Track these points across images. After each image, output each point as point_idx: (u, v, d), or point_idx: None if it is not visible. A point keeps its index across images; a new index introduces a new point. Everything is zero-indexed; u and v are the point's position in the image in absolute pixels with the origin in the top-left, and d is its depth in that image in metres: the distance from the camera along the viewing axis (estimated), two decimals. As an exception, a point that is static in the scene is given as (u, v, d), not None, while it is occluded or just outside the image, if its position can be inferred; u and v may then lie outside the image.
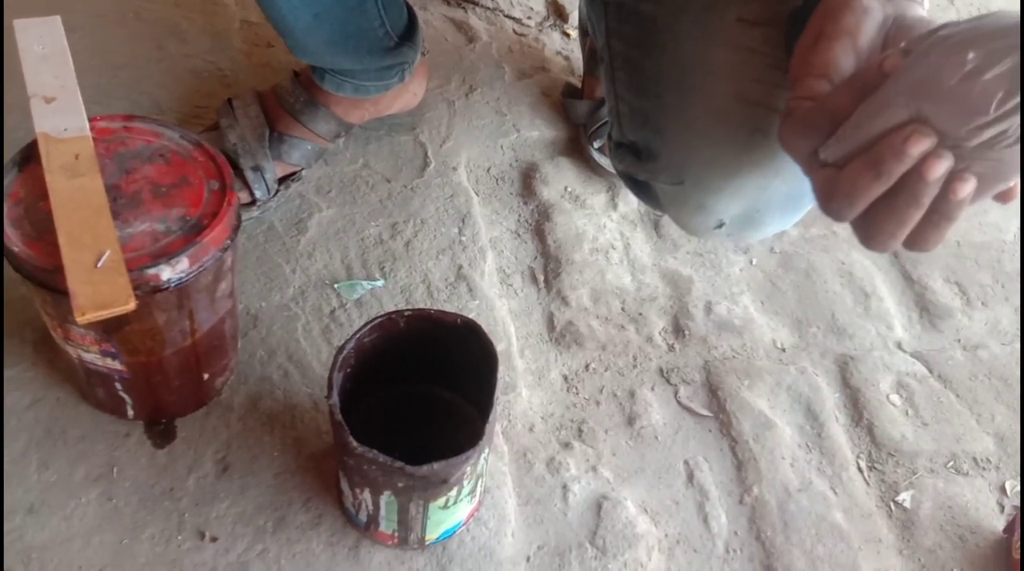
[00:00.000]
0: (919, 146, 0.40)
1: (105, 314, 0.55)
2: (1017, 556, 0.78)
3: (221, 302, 0.70)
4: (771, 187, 0.62)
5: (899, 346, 0.97)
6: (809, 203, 0.65)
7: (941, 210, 0.43)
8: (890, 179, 0.42)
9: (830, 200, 0.45)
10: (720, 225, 0.66)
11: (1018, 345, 0.99)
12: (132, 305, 0.56)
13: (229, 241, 0.64)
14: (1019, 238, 1.11)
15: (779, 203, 0.64)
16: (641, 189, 0.71)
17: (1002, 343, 0.99)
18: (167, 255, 0.60)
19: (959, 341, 0.98)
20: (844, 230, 1.09)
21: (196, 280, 0.63)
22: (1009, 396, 0.93)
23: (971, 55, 0.39)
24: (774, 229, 0.68)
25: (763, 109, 0.58)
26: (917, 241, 0.44)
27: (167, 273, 0.60)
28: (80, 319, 0.54)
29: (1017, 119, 0.39)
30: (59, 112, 0.65)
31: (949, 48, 0.40)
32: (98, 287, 0.56)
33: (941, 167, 0.41)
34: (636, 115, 0.67)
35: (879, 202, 0.43)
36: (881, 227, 0.44)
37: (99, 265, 0.57)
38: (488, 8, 1.26)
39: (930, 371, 0.95)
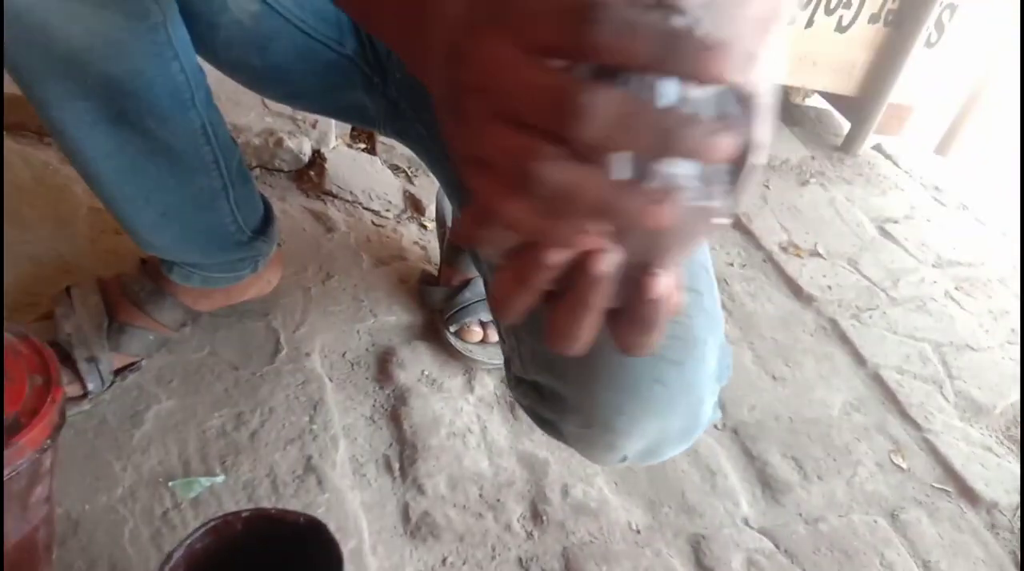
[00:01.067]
0: (555, 255, 0.34)
1: None
2: None
3: (35, 509, 0.63)
4: (669, 427, 0.66)
5: (746, 522, 1.00)
6: (699, 432, 0.70)
7: (638, 311, 0.37)
8: (533, 285, 0.36)
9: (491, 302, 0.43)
10: (624, 459, 0.69)
11: (854, 516, 1.04)
12: (-77, 520, 0.50)
13: (49, 441, 0.59)
14: (845, 412, 1.20)
15: (676, 437, 0.68)
16: (546, 425, 0.73)
17: (839, 515, 1.04)
18: (-27, 460, 0.55)
19: (800, 515, 1.03)
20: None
21: (7, 486, 0.57)
22: (850, 568, 0.97)
23: None
24: (670, 455, 0.71)
25: (658, 359, 0.63)
26: (629, 347, 0.39)
27: (-29, 481, 0.54)
28: None
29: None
30: None
31: None
32: None
33: (603, 262, 0.34)
34: (538, 358, 0.69)
35: (553, 305, 0.38)
36: (556, 329, 0.38)
37: None
38: (347, 201, 1.31)
39: (776, 546, 0.98)
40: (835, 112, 2.03)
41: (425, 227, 1.32)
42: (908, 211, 1.77)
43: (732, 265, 1.47)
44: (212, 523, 0.62)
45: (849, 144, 1.91)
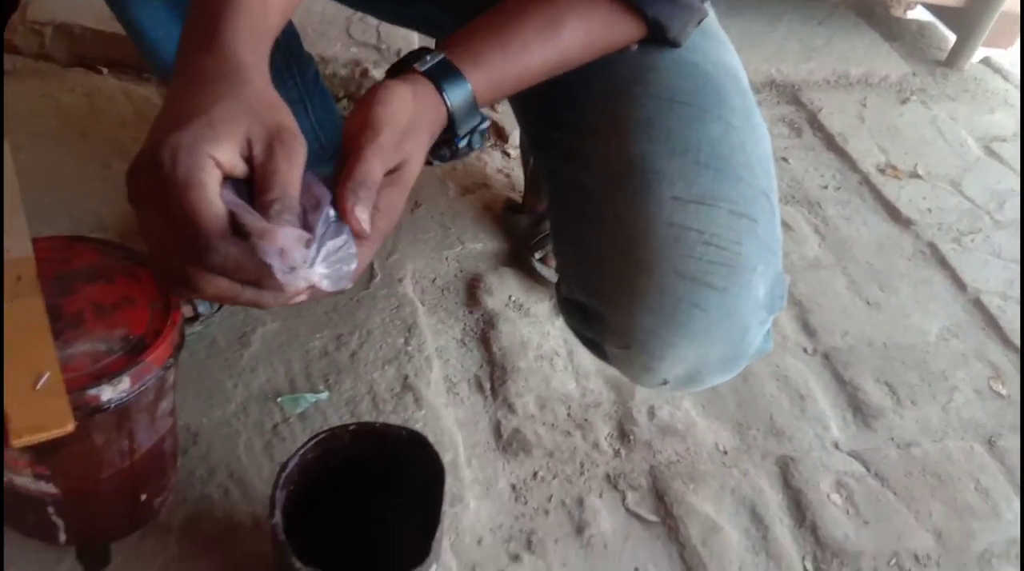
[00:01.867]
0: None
1: (41, 437, 0.54)
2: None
3: (162, 421, 0.69)
4: (709, 354, 0.66)
5: (836, 446, 1.00)
6: (745, 362, 0.69)
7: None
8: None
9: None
10: (664, 383, 0.69)
11: (948, 442, 1.02)
12: (70, 427, 0.55)
13: (172, 359, 0.64)
14: (942, 337, 1.17)
15: (716, 365, 0.68)
16: (590, 345, 0.74)
17: (933, 440, 1.02)
18: (108, 375, 0.59)
19: (892, 439, 1.02)
20: (778, 335, 1.13)
21: (137, 400, 0.62)
22: (943, 493, 0.96)
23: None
24: (714, 383, 0.71)
25: (699, 285, 0.62)
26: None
27: (108, 393, 0.59)
28: (15, 443, 0.53)
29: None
30: (3, 234, 0.65)
31: None
32: (35, 409, 0.55)
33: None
34: (582, 279, 0.70)
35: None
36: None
37: (38, 387, 0.56)
38: (431, 127, 1.32)
39: (867, 469, 0.97)
40: (939, 24, 1.90)
41: (508, 155, 1.32)
42: (1017, 129, 1.66)
43: (826, 188, 1.42)
44: (322, 435, 0.67)
45: (954, 58, 1.79)
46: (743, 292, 0.62)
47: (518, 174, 1.25)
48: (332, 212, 0.47)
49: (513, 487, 0.89)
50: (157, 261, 0.46)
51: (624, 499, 0.89)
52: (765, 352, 0.70)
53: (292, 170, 0.45)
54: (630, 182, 0.63)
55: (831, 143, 1.53)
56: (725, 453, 0.96)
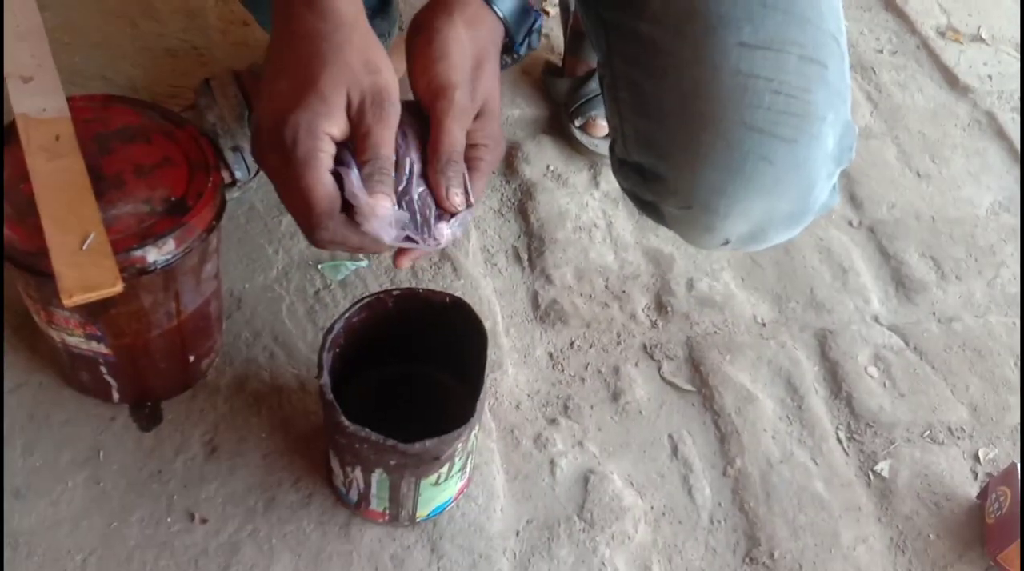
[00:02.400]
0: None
1: (92, 297, 0.55)
2: (990, 521, 0.80)
3: (206, 283, 0.69)
4: (776, 209, 0.63)
5: (876, 320, 0.99)
6: (811, 218, 0.67)
7: None
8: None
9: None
10: (726, 242, 0.67)
11: (991, 317, 1.01)
12: (119, 288, 0.55)
13: (215, 222, 0.63)
14: (993, 211, 1.13)
15: (782, 221, 0.65)
16: (647, 208, 0.71)
17: (975, 315, 1.01)
18: (153, 236, 0.59)
19: (934, 314, 1.00)
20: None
21: (182, 262, 0.62)
22: (982, 367, 0.95)
23: None
24: (776, 242, 0.69)
25: (767, 136, 0.59)
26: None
27: (153, 255, 0.59)
28: (67, 302, 0.54)
29: None
30: (37, 92, 0.63)
31: None
32: (84, 270, 0.55)
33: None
34: (640, 137, 0.66)
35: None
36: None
37: (84, 247, 0.56)
38: (466, -15, 1.25)
39: (906, 343, 0.97)
40: None
41: (547, 13, 1.25)
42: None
43: (882, 52, 1.35)
44: (366, 300, 0.67)
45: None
46: (813, 143, 0.60)
47: (557, 35, 1.20)
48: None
49: (550, 355, 0.90)
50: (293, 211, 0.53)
51: (660, 368, 0.90)
52: (831, 207, 0.68)
53: (383, 132, 0.51)
54: (692, 28, 0.60)
55: (889, 2, 1.44)
56: (763, 325, 0.96)
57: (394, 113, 0.51)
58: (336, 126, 0.50)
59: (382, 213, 0.51)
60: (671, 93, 0.61)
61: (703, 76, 0.59)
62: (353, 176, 0.50)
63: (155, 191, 0.62)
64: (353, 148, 0.51)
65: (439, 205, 0.54)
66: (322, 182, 0.50)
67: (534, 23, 0.61)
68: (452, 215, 0.54)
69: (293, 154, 0.49)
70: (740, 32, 0.58)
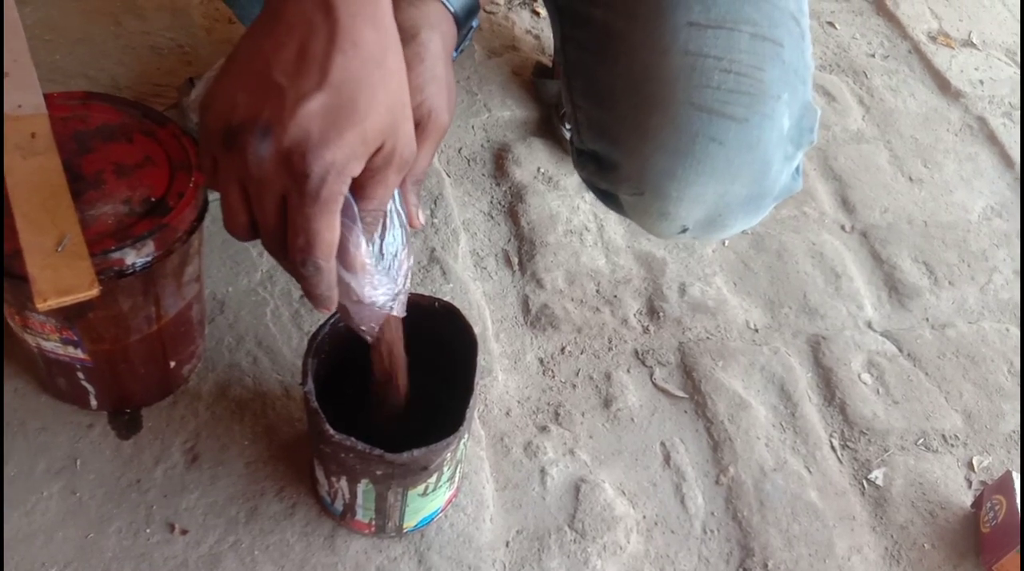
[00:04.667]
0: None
1: (67, 301, 0.53)
2: (986, 531, 0.79)
3: (188, 287, 0.67)
4: (730, 192, 0.61)
5: (869, 325, 0.98)
6: (772, 202, 0.65)
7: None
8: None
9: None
10: (684, 230, 0.66)
11: (984, 324, 1.00)
12: (95, 291, 0.53)
13: (197, 223, 0.61)
14: (985, 216, 1.13)
15: (740, 206, 0.64)
16: (605, 197, 0.70)
17: (968, 321, 1.00)
18: (132, 238, 0.57)
19: (927, 320, 1.00)
20: (815, 211, 1.09)
21: (162, 264, 0.60)
22: (975, 374, 0.95)
23: None
24: (738, 229, 0.68)
25: (717, 116, 0.58)
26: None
27: (132, 257, 0.57)
28: (41, 306, 0.52)
29: None
30: (13, 88, 0.61)
31: None
32: (59, 272, 0.53)
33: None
34: (594, 125, 0.65)
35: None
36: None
37: (60, 249, 0.54)
38: (456, -15, 1.24)
39: (900, 350, 0.96)
40: None
41: (538, 14, 1.24)
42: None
43: (873, 56, 1.34)
44: (352, 304, 0.65)
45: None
46: (766, 122, 0.58)
47: (548, 35, 1.18)
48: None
49: (541, 361, 0.88)
50: (232, 208, 0.45)
51: (652, 375, 0.89)
52: (793, 191, 0.67)
53: (393, 187, 0.47)
54: (643, 11, 0.59)
55: (881, 7, 1.43)
56: (756, 331, 0.95)
57: (407, 168, 0.47)
58: (361, 169, 0.44)
59: (370, 271, 0.48)
60: (622, 78, 0.60)
61: (652, 59, 0.58)
62: (357, 229, 0.46)
63: (135, 191, 0.60)
64: (359, 190, 0.45)
65: (410, 222, 0.53)
66: (332, 229, 0.44)
67: (474, 20, 0.60)
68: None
69: (311, 192, 0.42)
70: (690, 12, 0.57)
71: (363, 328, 0.52)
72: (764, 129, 0.59)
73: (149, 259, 0.58)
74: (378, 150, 0.44)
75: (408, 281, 0.53)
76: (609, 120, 0.63)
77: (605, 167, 0.66)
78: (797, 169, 0.66)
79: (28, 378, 0.74)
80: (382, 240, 0.50)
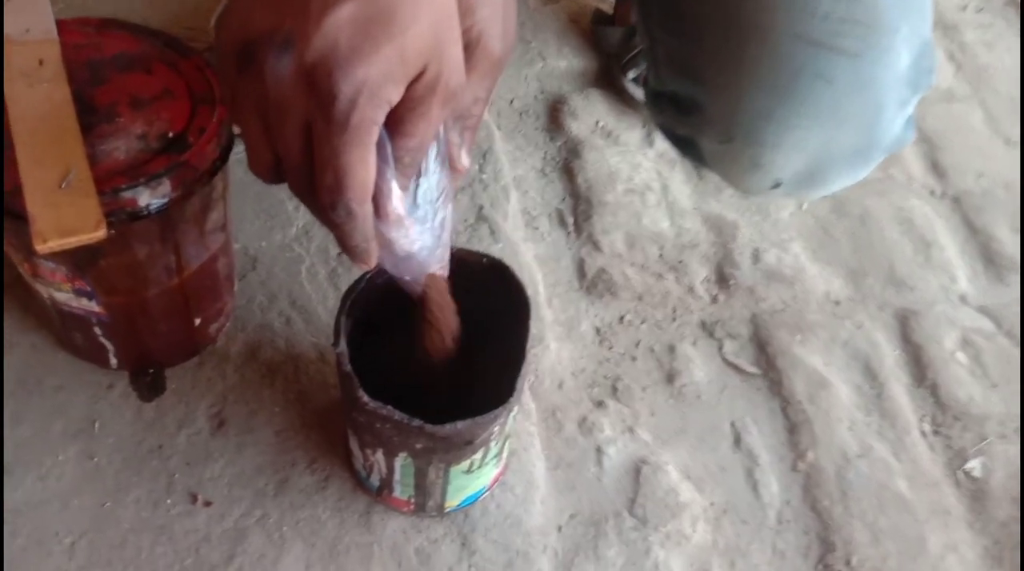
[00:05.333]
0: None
1: (70, 242, 0.47)
2: (1104, 532, 0.70)
3: (212, 236, 0.61)
4: (835, 140, 0.53)
5: (963, 300, 0.88)
6: (880, 156, 0.56)
7: None
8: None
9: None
10: (777, 185, 0.57)
11: (1096, 300, 0.89)
12: (102, 233, 0.47)
13: (220, 162, 0.55)
14: (1093, 184, 1.01)
15: (844, 158, 0.55)
16: (684, 145, 0.62)
17: (1077, 298, 0.89)
18: (146, 175, 0.51)
19: (1030, 295, 0.89)
20: (902, 174, 0.99)
21: (181, 207, 0.54)
22: (1088, 355, 0.84)
23: None
24: (838, 186, 0.59)
25: (825, 50, 0.49)
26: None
27: (146, 197, 0.51)
28: (40, 248, 0.46)
29: None
30: (20, 10, 0.55)
31: None
32: (62, 210, 0.47)
33: None
34: (674, 60, 0.58)
35: None
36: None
37: (64, 185, 0.48)
38: (510, -72, 1.15)
39: (998, 327, 0.86)
40: None
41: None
42: None
43: (965, 9, 1.22)
44: (391, 258, 0.58)
45: None
46: (881, 58, 0.50)
47: (609, -18, 1.09)
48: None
49: (597, 330, 0.80)
50: (254, 143, 0.38)
51: (721, 348, 0.80)
52: (905, 144, 0.58)
53: (438, 123, 0.39)
54: None
55: (976, -43, 1.31)
56: (837, 303, 0.85)
57: (453, 101, 0.39)
58: (399, 93, 0.36)
59: (405, 222, 0.41)
60: (710, 3, 0.52)
61: None
62: (390, 172, 0.38)
63: (152, 126, 0.54)
64: (394, 127, 0.38)
65: (452, 165, 0.44)
66: (367, 164, 0.37)
67: None
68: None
69: (339, 118, 0.35)
70: None
71: (407, 278, 0.45)
72: (879, 67, 0.50)
73: (165, 201, 0.52)
74: (419, 76, 0.36)
75: (448, 233, 0.46)
76: (693, 54, 0.55)
77: (686, 110, 0.57)
78: (910, 118, 0.56)
79: (45, 333, 0.69)
80: (418, 186, 0.43)
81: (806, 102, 0.50)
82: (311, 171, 0.37)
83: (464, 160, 0.45)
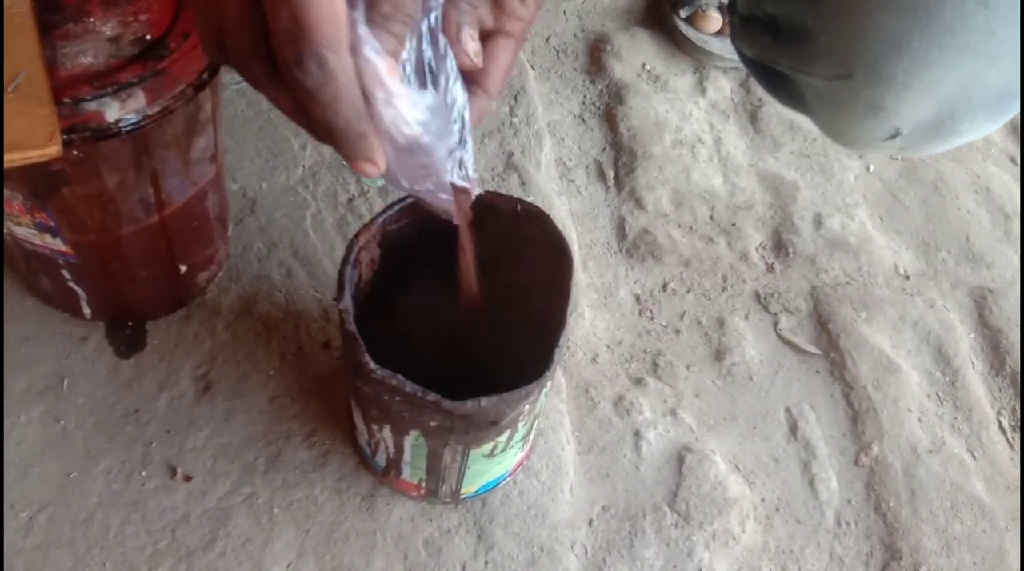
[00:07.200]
0: None
1: (16, 159, 0.38)
2: None
3: (199, 167, 0.52)
4: (979, 81, 0.43)
5: (1048, 280, 0.78)
6: (1019, 104, 0.46)
7: None
8: None
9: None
10: (894, 135, 0.47)
11: None
12: (55, 149, 0.38)
13: (207, 75, 0.46)
14: None
15: (986, 103, 0.45)
16: (779, 84, 0.52)
17: None
18: (115, 85, 0.42)
19: (1125, 278, 0.79)
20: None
21: (159, 127, 0.45)
22: None
23: None
24: (967, 139, 0.49)
25: None
26: None
27: (115, 111, 0.42)
28: (-22, 164, 0.37)
29: None
30: None
31: None
32: (9, 120, 0.38)
33: None
34: None
35: None
36: None
37: (10, 89, 0.39)
38: None
39: (1088, 313, 0.76)
40: None
41: None
42: None
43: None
44: (409, 201, 0.49)
45: None
46: None
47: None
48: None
49: (637, 298, 0.71)
50: (208, 20, 0.29)
51: (776, 324, 0.71)
52: None
53: None
54: None
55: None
56: (907, 277, 0.76)
57: None
58: None
59: (398, 90, 0.29)
60: None
61: None
62: (360, 26, 0.28)
63: (127, 28, 0.45)
64: None
65: (450, 43, 0.33)
66: None
67: None
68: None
69: None
70: None
71: (425, 190, 0.35)
72: None
73: (139, 118, 0.43)
74: None
75: (467, 130, 0.35)
76: None
77: (788, 39, 0.47)
78: None
79: (12, 278, 0.61)
80: (413, 54, 0.32)
81: (954, 30, 0.41)
82: (259, 27, 0.27)
83: (469, 43, 0.33)
